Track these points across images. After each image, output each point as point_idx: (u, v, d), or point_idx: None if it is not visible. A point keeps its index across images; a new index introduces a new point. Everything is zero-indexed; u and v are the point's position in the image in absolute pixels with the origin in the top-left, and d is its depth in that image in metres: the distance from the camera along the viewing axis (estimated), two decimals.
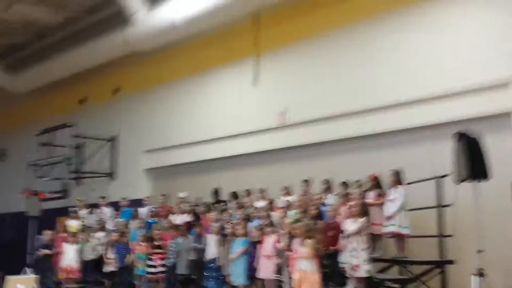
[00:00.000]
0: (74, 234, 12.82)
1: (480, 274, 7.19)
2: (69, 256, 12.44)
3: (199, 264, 11.18)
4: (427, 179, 9.39)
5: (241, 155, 14.62)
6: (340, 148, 12.71)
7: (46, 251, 12.96)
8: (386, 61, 11.94)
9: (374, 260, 8.49)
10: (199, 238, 11.49)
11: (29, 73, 19.21)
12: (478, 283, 7.12)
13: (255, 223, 10.93)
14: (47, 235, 13.20)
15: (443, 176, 8.78)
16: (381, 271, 9.38)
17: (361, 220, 8.38)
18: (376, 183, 9.63)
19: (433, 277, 8.56)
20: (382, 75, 11.96)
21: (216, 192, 13.09)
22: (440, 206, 8.78)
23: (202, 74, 15.73)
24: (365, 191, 9.69)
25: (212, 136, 15.20)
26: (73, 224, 13.81)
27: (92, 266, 12.53)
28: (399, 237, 8.87)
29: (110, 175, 17.64)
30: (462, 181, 7.67)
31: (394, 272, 9.52)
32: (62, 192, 16.22)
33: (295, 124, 13.44)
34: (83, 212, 14.43)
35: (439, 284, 8.43)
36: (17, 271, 11.21)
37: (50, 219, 15.42)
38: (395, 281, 8.86)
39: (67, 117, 18.02)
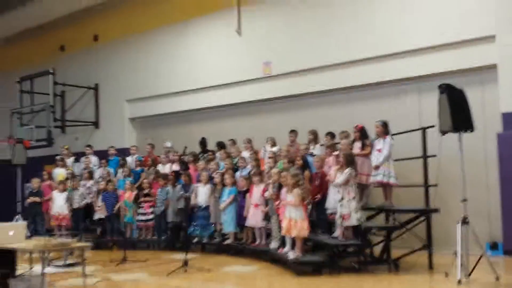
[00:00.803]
0: (62, 182, 12.89)
1: (465, 222, 7.48)
2: (59, 204, 12.58)
3: (188, 212, 11.41)
4: (413, 130, 9.58)
5: (226, 105, 14.65)
6: (326, 99, 12.84)
7: (35, 199, 13.06)
8: (372, 13, 11.94)
9: (361, 208, 8.72)
10: (187, 187, 11.68)
11: (7, 18, 18.67)
12: (463, 230, 7.41)
13: (242, 172, 11.15)
14: (35, 183, 13.25)
15: (428, 127, 8.94)
16: (367, 219, 9.67)
17: (347, 170, 8.56)
18: (362, 134, 9.73)
19: (418, 225, 8.86)
20: (368, 27, 11.97)
21: (203, 142, 13.17)
22: (425, 156, 8.98)
23: (186, 22, 15.49)
24: (352, 141, 9.85)
25: (196, 86, 15.13)
26: (59, 172, 13.87)
27: (82, 214, 12.69)
28: (386, 186, 9.08)
29: (94, 123, 17.54)
30: (447, 132, 7.83)
31: (379, 221, 9.84)
32: (46, 140, 16.09)
33: (281, 74, 13.45)
34: (69, 160, 14.45)
35: (424, 232, 8.73)
36: (7, 218, 11.27)
37: (36, 167, 15.41)
38: (381, 228, 9.14)
39: (47, 64, 17.65)
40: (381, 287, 7.52)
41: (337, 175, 8.74)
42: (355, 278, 8.10)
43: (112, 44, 17.40)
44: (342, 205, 8.45)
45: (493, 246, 10.00)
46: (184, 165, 12.43)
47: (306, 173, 9.75)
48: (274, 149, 11.48)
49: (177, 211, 11.65)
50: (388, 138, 9.13)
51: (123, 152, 14.34)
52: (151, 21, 16.25)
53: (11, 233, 7.54)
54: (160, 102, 16.11)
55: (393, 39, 11.52)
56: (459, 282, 7.15)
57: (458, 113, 7.69)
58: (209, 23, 15.06)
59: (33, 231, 12.16)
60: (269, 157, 10.85)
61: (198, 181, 11.57)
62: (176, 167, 12.58)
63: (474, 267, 7.41)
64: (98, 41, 17.96)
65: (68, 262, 9.46)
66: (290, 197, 8.64)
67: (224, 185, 10.99)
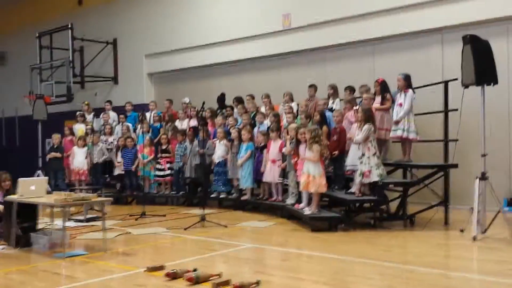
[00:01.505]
0: (82, 138, 12.99)
1: (484, 177, 7.33)
2: (79, 159, 12.72)
3: (206, 168, 11.42)
4: (435, 83, 9.35)
5: (244, 60, 14.45)
6: (347, 52, 12.57)
7: (56, 154, 13.19)
8: None
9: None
10: (205, 142, 11.66)
11: None
12: (481, 186, 7.27)
13: (260, 128, 11.07)
14: (55, 138, 13.36)
15: (451, 80, 8.69)
16: None
17: (366, 127, 8.40)
18: (382, 87, 9.50)
19: (436, 181, 8.72)
20: None
21: (221, 98, 13.06)
22: (447, 110, 8.76)
23: None
24: (373, 95, 9.62)
25: (214, 40, 14.92)
26: (80, 128, 13.97)
27: (101, 169, 12.83)
28: (406, 141, 8.90)
29: (113, 79, 17.51)
30: (470, 85, 7.59)
31: (397, 176, 9.73)
32: (66, 96, 16.15)
33: (300, 27, 13.15)
34: (89, 116, 14.51)
35: (442, 188, 8.61)
36: (28, 174, 11.42)
37: (57, 122, 15.52)
38: (398, 184, 9.03)
39: (65, 19, 17.51)
40: (396, 243, 7.48)
41: (357, 132, 8.60)
42: (370, 234, 8.07)
43: None
44: (363, 161, 8.34)
45: (511, 202, 9.84)
46: (202, 121, 12.36)
47: (324, 128, 9.61)
48: (292, 104, 11.33)
49: (195, 167, 11.68)
50: (409, 91, 8.88)
51: (142, 108, 14.32)
52: None
53: (33, 187, 7.63)
54: (179, 57, 15.96)
55: None
56: (474, 238, 7.07)
57: (482, 66, 7.43)
58: None
59: (54, 186, 12.33)
60: (287, 113, 10.73)
61: (216, 137, 11.54)
62: (194, 122, 12.53)
63: (491, 223, 7.31)
64: None
65: (88, 216, 9.59)
66: (309, 153, 8.54)
67: (241, 141, 10.93)
